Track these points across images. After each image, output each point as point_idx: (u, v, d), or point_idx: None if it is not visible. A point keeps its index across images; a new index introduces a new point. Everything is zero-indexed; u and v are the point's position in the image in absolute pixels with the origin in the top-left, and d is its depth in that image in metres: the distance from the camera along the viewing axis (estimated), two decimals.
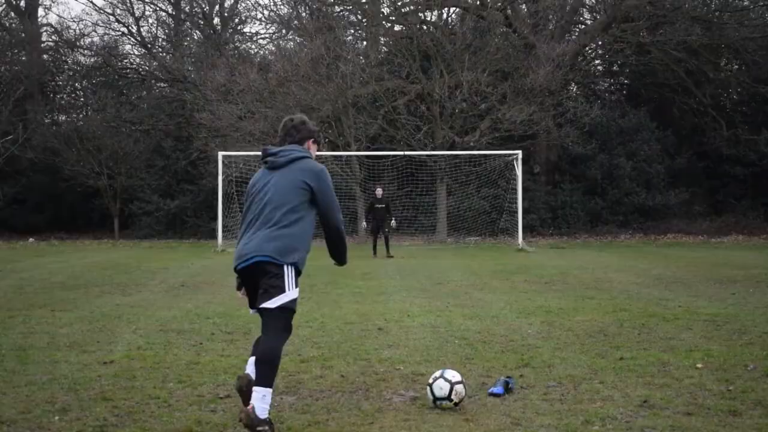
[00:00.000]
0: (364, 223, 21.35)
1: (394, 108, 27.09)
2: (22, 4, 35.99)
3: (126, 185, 30.70)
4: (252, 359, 4.84)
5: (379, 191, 20.31)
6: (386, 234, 20.17)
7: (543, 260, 17.80)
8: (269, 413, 4.65)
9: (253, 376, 4.72)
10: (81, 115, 35.64)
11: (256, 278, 4.82)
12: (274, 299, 4.71)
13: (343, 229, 5.05)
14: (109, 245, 25.95)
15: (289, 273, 4.77)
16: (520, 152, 23.75)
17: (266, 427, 4.52)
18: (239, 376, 4.90)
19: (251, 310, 5.02)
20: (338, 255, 5.11)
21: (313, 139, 5.20)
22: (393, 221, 20.80)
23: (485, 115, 26.91)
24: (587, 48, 30.81)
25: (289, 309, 4.78)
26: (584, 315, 9.27)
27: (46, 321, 8.99)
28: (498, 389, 5.64)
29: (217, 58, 29.10)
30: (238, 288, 5.09)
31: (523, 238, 23.08)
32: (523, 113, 25.14)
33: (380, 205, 20.03)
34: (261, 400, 4.56)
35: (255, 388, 4.60)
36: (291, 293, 4.76)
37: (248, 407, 4.56)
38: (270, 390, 4.62)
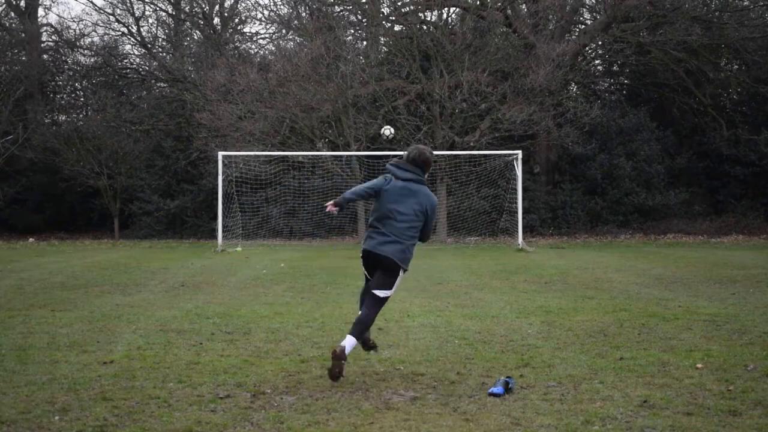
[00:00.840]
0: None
1: (394, 108, 27.08)
2: (22, 4, 35.97)
3: (126, 185, 30.70)
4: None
5: None
6: None
7: (543, 260, 17.80)
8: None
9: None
10: (81, 115, 35.62)
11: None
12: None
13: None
14: (109, 245, 25.96)
15: None
16: (520, 152, 23.74)
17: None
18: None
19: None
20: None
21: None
22: None
23: (485, 115, 26.90)
24: (587, 48, 30.79)
25: None
26: (584, 315, 9.27)
27: (46, 321, 8.99)
28: (498, 389, 5.65)
29: (217, 58, 29.09)
30: None
31: (523, 238, 23.07)
32: (523, 113, 25.12)
33: None
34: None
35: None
36: None
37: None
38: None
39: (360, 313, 6.44)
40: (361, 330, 6.28)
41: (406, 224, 6.35)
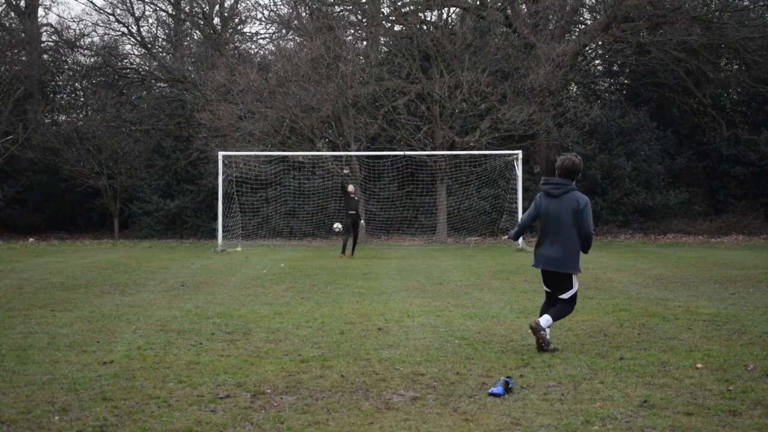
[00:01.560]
0: (338, 224, 19.64)
1: (394, 108, 27.08)
2: (22, 4, 35.99)
3: (126, 185, 30.72)
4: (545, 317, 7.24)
5: (351, 187, 19.59)
6: (357, 233, 19.59)
7: None
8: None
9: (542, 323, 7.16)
10: (81, 115, 35.65)
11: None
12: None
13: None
14: (109, 245, 25.95)
15: None
16: (520, 152, 23.74)
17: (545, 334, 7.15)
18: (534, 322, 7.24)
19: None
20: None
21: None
22: (362, 221, 20.47)
23: (485, 115, 26.91)
24: (587, 48, 30.79)
25: None
26: (584, 315, 9.27)
27: (46, 321, 8.99)
28: (498, 389, 5.64)
29: (217, 58, 29.10)
30: None
31: (524, 238, 23.06)
32: (523, 113, 25.13)
33: (352, 211, 19.17)
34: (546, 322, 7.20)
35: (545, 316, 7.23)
36: None
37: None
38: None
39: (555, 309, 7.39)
40: (557, 315, 7.31)
41: (566, 233, 7.28)
